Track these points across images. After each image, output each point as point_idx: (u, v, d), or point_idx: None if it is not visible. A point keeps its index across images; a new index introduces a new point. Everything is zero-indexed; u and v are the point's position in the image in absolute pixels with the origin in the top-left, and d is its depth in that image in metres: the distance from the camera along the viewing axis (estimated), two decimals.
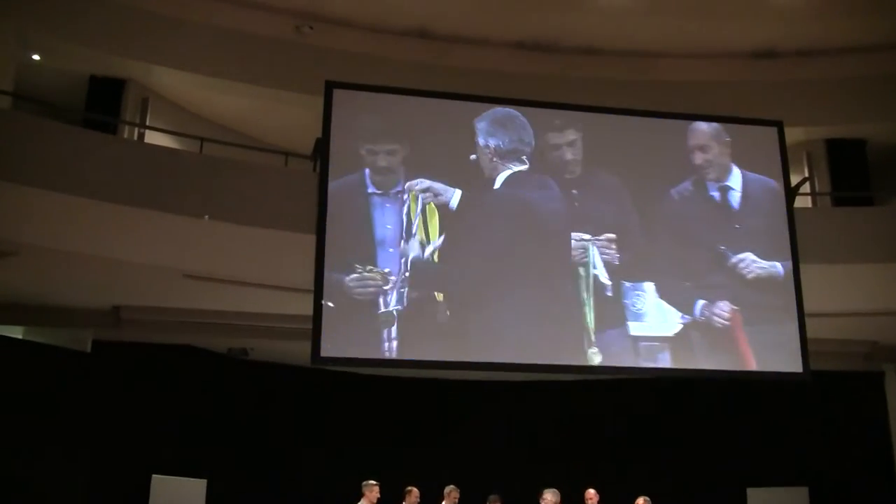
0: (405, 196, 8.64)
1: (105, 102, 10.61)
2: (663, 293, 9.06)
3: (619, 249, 9.07)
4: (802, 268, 8.89)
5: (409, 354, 8.33)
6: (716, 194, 9.58)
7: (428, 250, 8.52)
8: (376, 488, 8.31)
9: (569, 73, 11.32)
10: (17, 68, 10.18)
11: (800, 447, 11.28)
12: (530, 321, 8.66)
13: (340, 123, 8.77)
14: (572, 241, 9.02)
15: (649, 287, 9.07)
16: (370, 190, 8.69)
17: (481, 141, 9.10)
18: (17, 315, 9.88)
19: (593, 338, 8.78)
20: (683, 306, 9.07)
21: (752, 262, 9.29)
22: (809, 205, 11.24)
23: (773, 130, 9.80)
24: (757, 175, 9.68)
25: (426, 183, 8.76)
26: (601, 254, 9.01)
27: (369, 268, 8.24)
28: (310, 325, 7.87)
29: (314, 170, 8.94)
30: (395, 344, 8.23)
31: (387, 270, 8.31)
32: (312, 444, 11.45)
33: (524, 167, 9.12)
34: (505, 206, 8.94)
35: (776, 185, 9.66)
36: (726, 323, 9.07)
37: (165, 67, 10.77)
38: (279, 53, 10.91)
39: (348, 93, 8.98)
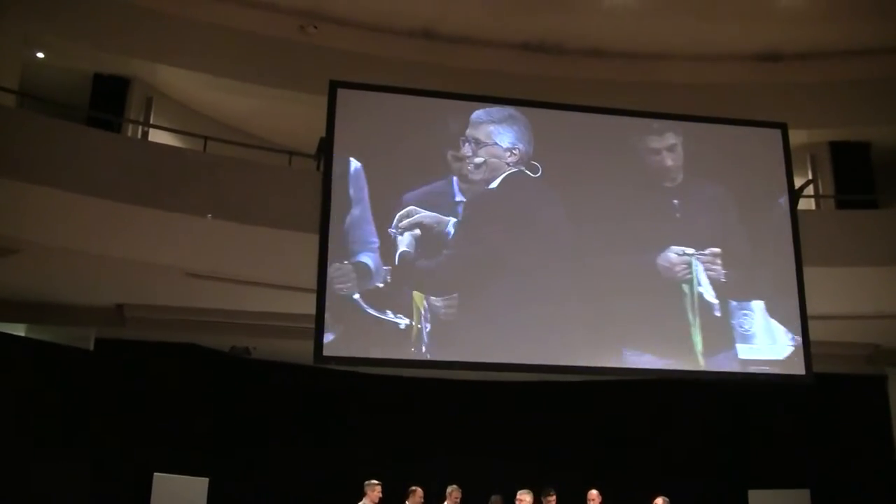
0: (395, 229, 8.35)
1: (109, 101, 10.61)
2: (773, 312, 8.70)
3: (724, 265, 8.65)
4: (806, 270, 8.87)
5: (415, 355, 8.26)
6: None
7: (436, 250, 8.41)
8: (378, 488, 8.29)
9: (573, 75, 11.32)
10: (21, 66, 10.19)
11: (801, 449, 11.28)
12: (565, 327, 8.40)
13: (343, 123, 8.72)
14: (672, 255, 8.64)
15: (758, 306, 8.70)
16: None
17: (484, 139, 8.84)
18: (20, 313, 9.88)
19: (702, 361, 8.45)
20: (794, 325, 8.67)
21: None
22: (813, 207, 11.23)
23: (777, 133, 9.78)
24: None
25: (417, 216, 8.42)
26: (706, 270, 8.62)
27: (371, 266, 8.20)
28: (312, 325, 7.87)
29: (318, 169, 8.94)
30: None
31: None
32: (314, 443, 11.46)
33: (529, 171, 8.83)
34: (508, 208, 8.74)
35: None
36: None
37: (170, 66, 10.79)
38: (284, 53, 10.93)
39: (352, 92, 8.93)
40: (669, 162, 9.04)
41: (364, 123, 8.69)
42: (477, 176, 8.75)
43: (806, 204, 10.73)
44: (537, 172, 8.76)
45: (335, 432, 11.55)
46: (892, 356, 10.99)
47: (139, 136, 10.67)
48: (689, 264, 8.70)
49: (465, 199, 8.55)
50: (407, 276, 8.21)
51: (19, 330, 10.20)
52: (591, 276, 8.56)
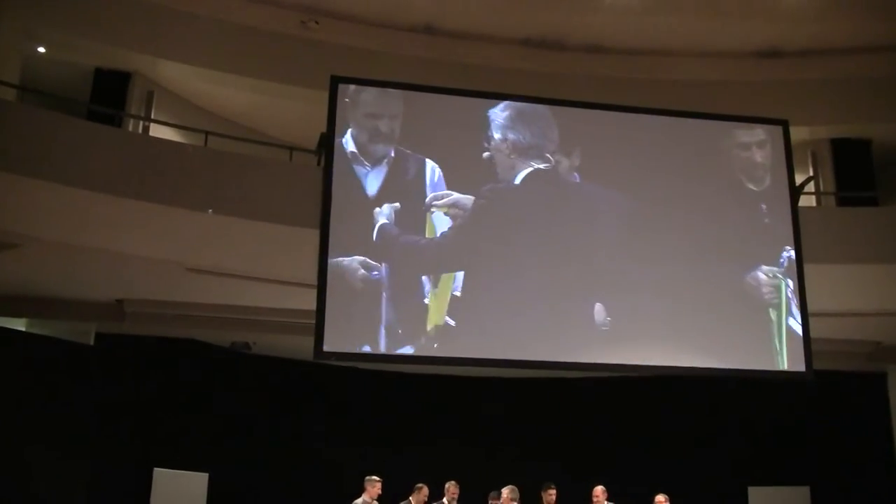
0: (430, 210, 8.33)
1: (110, 95, 10.61)
2: None
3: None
4: (806, 267, 8.85)
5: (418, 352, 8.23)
6: None
7: (443, 245, 8.37)
8: (378, 484, 8.28)
9: (574, 71, 11.32)
10: (22, 61, 10.20)
11: (802, 446, 11.29)
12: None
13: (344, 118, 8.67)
14: (761, 275, 8.31)
15: None
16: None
17: (497, 136, 8.66)
18: (21, 307, 9.89)
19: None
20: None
21: None
22: (814, 204, 11.22)
23: (779, 129, 9.76)
24: None
25: (453, 197, 8.34)
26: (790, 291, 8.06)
27: (372, 262, 8.19)
28: (312, 320, 7.86)
29: (318, 164, 8.92)
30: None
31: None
32: (314, 438, 11.45)
33: (545, 165, 8.67)
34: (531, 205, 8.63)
35: None
36: None
37: (171, 61, 10.80)
38: (285, 48, 10.93)
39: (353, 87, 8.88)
40: (759, 158, 8.81)
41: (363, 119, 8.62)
42: (499, 173, 8.64)
43: (807, 201, 10.72)
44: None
45: (335, 427, 11.55)
46: (892, 353, 10.98)
47: (140, 130, 10.67)
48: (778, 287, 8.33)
49: (481, 198, 8.45)
50: (410, 272, 8.19)
51: (19, 325, 10.21)
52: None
